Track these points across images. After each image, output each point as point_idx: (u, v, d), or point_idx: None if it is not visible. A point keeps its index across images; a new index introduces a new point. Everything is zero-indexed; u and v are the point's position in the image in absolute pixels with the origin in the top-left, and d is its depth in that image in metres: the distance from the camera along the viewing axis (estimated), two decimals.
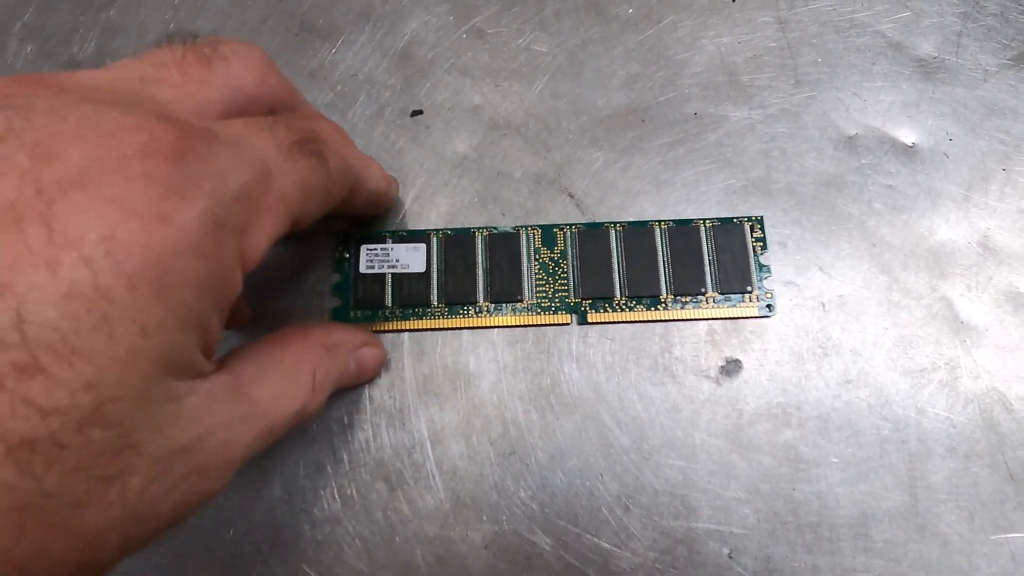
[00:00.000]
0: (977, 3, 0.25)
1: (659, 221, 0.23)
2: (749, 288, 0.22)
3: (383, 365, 0.22)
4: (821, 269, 0.23)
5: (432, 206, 0.24)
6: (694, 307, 0.22)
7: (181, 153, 0.12)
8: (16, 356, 0.10)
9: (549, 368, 0.22)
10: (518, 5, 0.26)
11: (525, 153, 0.24)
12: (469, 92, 0.25)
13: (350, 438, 0.22)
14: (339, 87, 0.25)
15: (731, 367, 0.22)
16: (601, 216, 0.24)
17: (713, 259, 0.23)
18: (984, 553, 0.20)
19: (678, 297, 0.22)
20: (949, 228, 0.23)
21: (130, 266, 0.11)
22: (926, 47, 0.25)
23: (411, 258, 0.22)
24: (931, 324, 0.22)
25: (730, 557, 0.21)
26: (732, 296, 0.22)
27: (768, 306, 0.22)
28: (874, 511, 0.21)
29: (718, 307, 0.22)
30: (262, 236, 0.14)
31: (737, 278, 0.22)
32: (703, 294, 0.22)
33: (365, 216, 0.23)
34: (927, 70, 0.25)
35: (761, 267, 0.23)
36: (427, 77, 0.25)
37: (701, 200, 0.24)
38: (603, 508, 0.21)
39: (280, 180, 0.15)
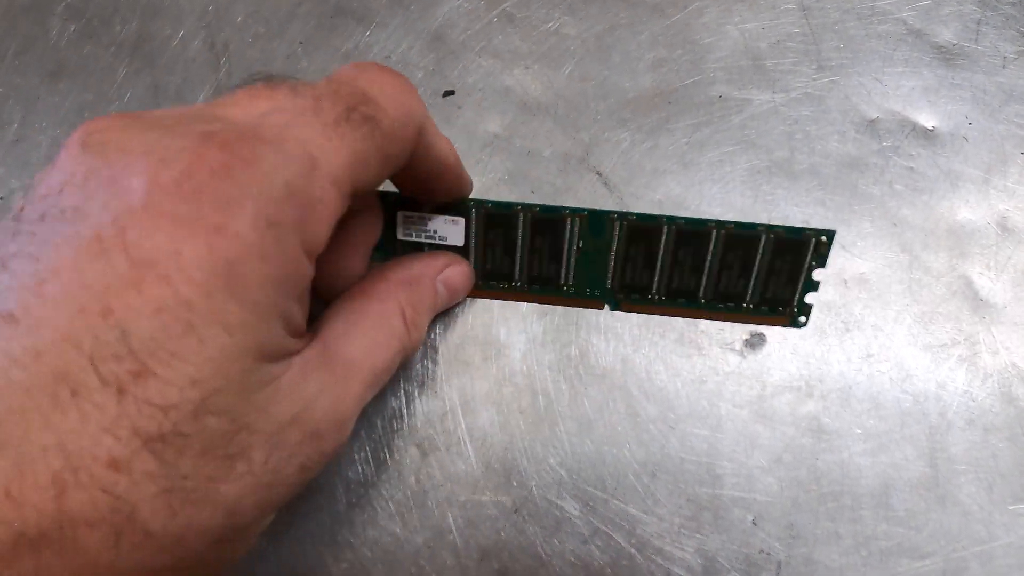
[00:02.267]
0: None
1: (719, 222, 0.21)
2: (790, 303, 0.22)
3: (472, 279, 0.22)
4: (843, 247, 0.24)
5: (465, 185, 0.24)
6: (727, 312, 0.22)
7: (226, 166, 0.13)
8: (130, 365, 0.12)
9: (578, 340, 0.23)
10: None
11: (554, 133, 0.25)
12: (500, 74, 0.26)
13: (383, 405, 0.22)
14: None
15: (755, 340, 0.23)
16: (628, 196, 0.24)
17: (762, 273, 0.21)
18: (1003, 523, 0.21)
19: (713, 302, 0.22)
20: (969, 209, 0.24)
21: (201, 276, 0.13)
22: (946, 34, 0.26)
23: (449, 231, 0.22)
24: (951, 301, 0.23)
25: (754, 524, 0.21)
26: (768, 307, 0.22)
27: (800, 317, 0.22)
28: (895, 481, 0.21)
29: (752, 315, 0.22)
30: (321, 224, 0.15)
31: (781, 293, 0.22)
32: (741, 303, 0.22)
33: (442, 195, 0.21)
34: (947, 57, 0.25)
35: (808, 284, 0.22)
36: (459, 59, 0.26)
37: (726, 180, 0.24)
38: (630, 475, 0.22)
39: (328, 164, 0.15)
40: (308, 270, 0.15)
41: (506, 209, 0.22)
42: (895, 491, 0.21)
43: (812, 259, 0.21)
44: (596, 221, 0.22)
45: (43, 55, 0.27)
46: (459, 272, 0.22)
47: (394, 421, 0.22)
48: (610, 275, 0.22)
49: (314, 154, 0.14)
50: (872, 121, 0.25)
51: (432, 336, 0.23)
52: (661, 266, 0.22)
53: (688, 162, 0.25)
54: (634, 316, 0.23)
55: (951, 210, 0.24)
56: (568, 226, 0.22)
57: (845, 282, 0.23)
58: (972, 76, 0.25)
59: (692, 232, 0.21)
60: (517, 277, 0.22)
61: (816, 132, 0.25)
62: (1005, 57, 0.25)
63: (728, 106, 0.25)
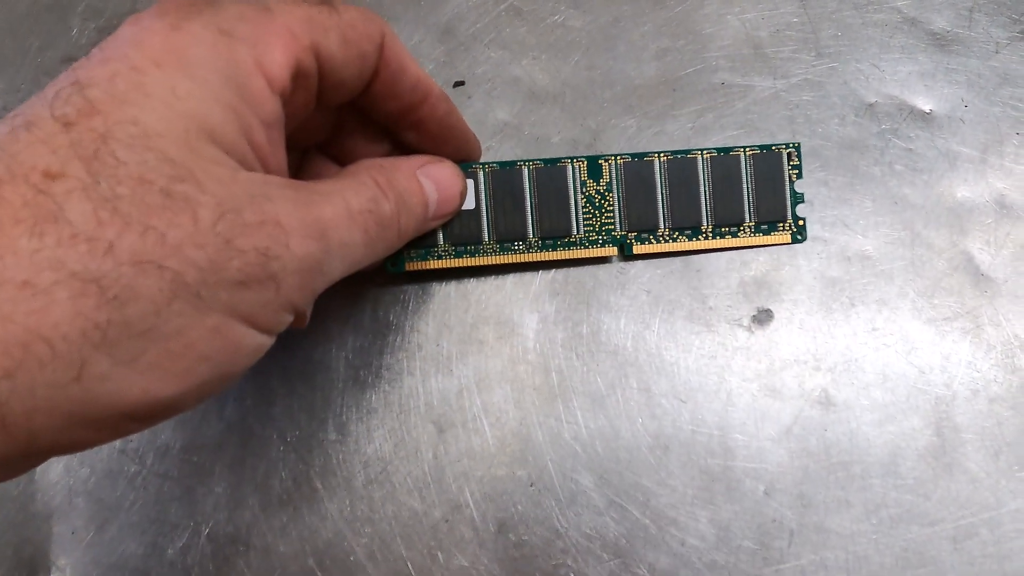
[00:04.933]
0: None
1: (701, 150, 0.24)
2: (784, 217, 0.24)
3: (462, 180, 0.22)
4: (846, 225, 0.24)
5: None
6: (732, 237, 0.24)
7: (189, 2, 0.16)
8: (81, 107, 0.14)
9: (589, 318, 0.23)
10: None
11: (562, 120, 0.26)
12: (508, 65, 0.27)
13: (400, 384, 0.23)
14: None
15: (763, 316, 0.23)
16: None
17: (751, 188, 0.24)
18: (1010, 489, 0.21)
19: (718, 227, 0.23)
20: (967, 188, 0.24)
21: (154, 53, 0.14)
22: (940, 22, 0.27)
23: None
24: (953, 276, 0.23)
25: (766, 494, 0.21)
26: (767, 225, 0.24)
27: (799, 235, 0.24)
28: (903, 450, 0.22)
29: (754, 236, 0.24)
30: (275, 51, 0.16)
31: (773, 207, 0.24)
32: (741, 224, 0.24)
33: (438, 136, 0.21)
34: (942, 43, 0.26)
35: (795, 195, 0.24)
36: (469, 51, 0.27)
37: None
38: (643, 448, 0.22)
39: (282, 14, 0.16)
40: (264, 90, 0.15)
41: (510, 165, 0.23)
42: (903, 460, 0.22)
43: (790, 169, 0.24)
44: (593, 164, 0.24)
45: (65, 52, 0.27)
46: (443, 169, 0.21)
47: (411, 399, 0.23)
48: (617, 216, 0.23)
49: (270, 5, 0.16)
50: (871, 105, 0.26)
51: (446, 316, 0.23)
52: (661, 197, 0.23)
53: (693, 147, 0.25)
54: (643, 295, 0.24)
55: (950, 189, 0.25)
56: (570, 172, 0.23)
57: (849, 259, 0.24)
58: (967, 61, 0.26)
59: (680, 160, 0.24)
60: (531, 233, 0.23)
61: (817, 116, 0.25)
62: (998, 42, 0.26)
63: (731, 92, 0.26)
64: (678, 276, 0.24)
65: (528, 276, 0.24)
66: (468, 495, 0.22)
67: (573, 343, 0.23)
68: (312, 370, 0.23)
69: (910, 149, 0.25)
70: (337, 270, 0.17)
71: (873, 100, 0.26)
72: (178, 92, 0.14)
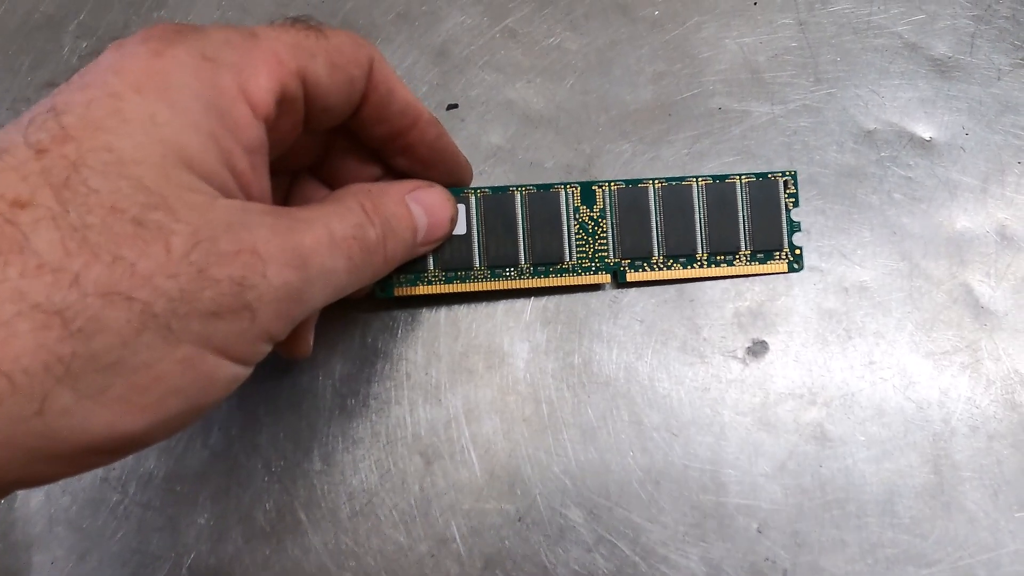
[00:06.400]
0: (989, 6, 0.27)
1: (696, 177, 0.23)
2: (780, 245, 0.23)
3: (452, 205, 0.21)
4: (844, 255, 0.24)
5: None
6: (727, 265, 0.23)
7: (174, 28, 0.16)
8: (55, 133, 0.13)
9: (580, 348, 0.23)
10: (549, 7, 0.27)
11: (556, 144, 0.25)
12: (502, 87, 0.26)
13: (387, 414, 0.23)
14: None
15: (758, 348, 0.23)
16: None
17: (747, 216, 0.23)
18: (1009, 529, 0.21)
19: (713, 255, 0.23)
20: (967, 218, 0.24)
21: (134, 79, 0.14)
22: (941, 48, 0.26)
23: None
24: (952, 309, 0.23)
25: (759, 531, 0.21)
26: (763, 254, 0.23)
27: (796, 263, 0.23)
28: (900, 488, 0.21)
29: (750, 265, 0.23)
30: (260, 76, 0.15)
31: (769, 235, 0.23)
32: (737, 252, 0.23)
33: (429, 161, 0.21)
34: (942, 69, 0.26)
35: (792, 224, 0.24)
36: (463, 73, 0.26)
37: None
38: (634, 483, 0.22)
39: (269, 40, 0.16)
40: (247, 116, 0.15)
41: (502, 190, 0.23)
42: (900, 498, 0.21)
43: (787, 197, 0.24)
44: (587, 190, 0.23)
45: (56, 71, 0.27)
46: (433, 194, 0.21)
47: (398, 430, 0.22)
48: (611, 243, 0.23)
49: (255, 31, 0.16)
50: (870, 132, 0.25)
51: (435, 344, 0.23)
52: (656, 224, 0.23)
53: (689, 173, 0.25)
54: (636, 324, 0.23)
55: (950, 218, 0.24)
56: (563, 198, 0.23)
57: (846, 290, 0.23)
58: (968, 88, 0.26)
59: (675, 187, 0.23)
60: (522, 259, 0.23)
61: (814, 143, 0.25)
62: (1000, 69, 0.26)
63: (728, 118, 0.26)
64: (672, 305, 0.23)
65: (519, 304, 0.24)
66: (455, 529, 0.21)
67: (564, 373, 0.23)
68: (299, 398, 0.23)
69: (909, 177, 0.25)
70: (319, 297, 0.16)
71: (872, 127, 0.25)
72: (157, 119, 0.14)
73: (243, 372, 0.15)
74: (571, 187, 0.23)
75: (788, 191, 0.24)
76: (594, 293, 0.24)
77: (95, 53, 0.27)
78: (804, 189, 0.25)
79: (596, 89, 0.26)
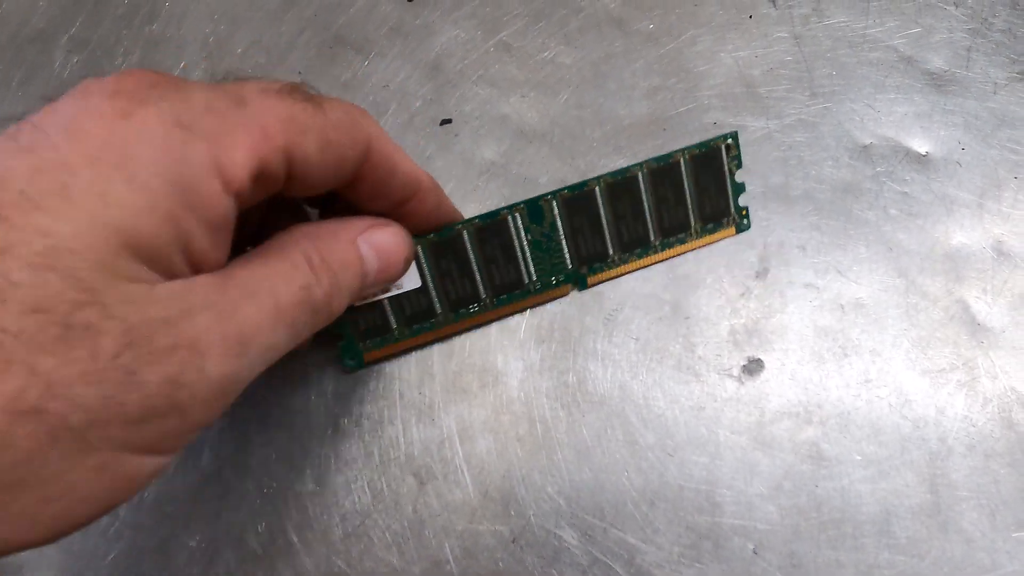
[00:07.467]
0: (985, 20, 0.26)
1: (641, 164, 0.23)
2: (728, 211, 0.24)
3: (408, 243, 0.19)
4: (839, 272, 0.24)
5: (461, 210, 0.25)
6: (680, 244, 0.24)
7: (152, 82, 0.14)
8: None
9: (575, 366, 0.23)
10: (543, 20, 0.27)
11: (551, 160, 0.25)
12: (496, 102, 0.26)
13: (380, 433, 0.22)
14: (371, 97, 0.26)
15: (753, 366, 0.23)
16: None
17: (693, 192, 0.23)
18: (1007, 550, 0.21)
19: (665, 238, 0.23)
20: (964, 233, 0.24)
21: (90, 147, 0.13)
22: (937, 61, 0.26)
23: (404, 278, 0.21)
24: (948, 326, 0.23)
25: (755, 552, 0.21)
26: (713, 223, 0.24)
27: (743, 223, 0.24)
28: (896, 508, 0.21)
29: (701, 238, 0.24)
30: (238, 149, 0.14)
31: (716, 203, 0.24)
32: (688, 229, 0.23)
33: (429, 225, 0.21)
34: (938, 83, 0.26)
35: (736, 186, 0.24)
36: (456, 88, 0.26)
37: None
38: (629, 503, 0.21)
39: (257, 109, 0.15)
40: (216, 193, 0.14)
41: (448, 233, 0.22)
42: (896, 518, 0.21)
43: (729, 162, 0.23)
44: (534, 208, 0.22)
45: (47, 84, 0.27)
46: (387, 235, 0.19)
47: (391, 449, 0.22)
48: (567, 254, 0.23)
49: (244, 96, 0.15)
50: (866, 147, 0.25)
51: (429, 364, 0.23)
52: (607, 224, 0.23)
53: None
54: (631, 343, 0.23)
55: (946, 234, 0.24)
56: (511, 223, 0.22)
57: (842, 307, 0.23)
58: (964, 102, 0.25)
59: (621, 181, 0.23)
60: (483, 293, 0.22)
61: (810, 158, 0.25)
62: (996, 83, 0.26)
63: (723, 132, 0.25)
64: (667, 323, 0.23)
65: (513, 322, 0.23)
66: (448, 551, 0.21)
67: (558, 392, 0.23)
68: (291, 418, 0.22)
69: (905, 193, 0.24)
70: (256, 371, 0.15)
71: (868, 142, 0.25)
72: (107, 198, 0.13)
73: (167, 462, 0.14)
74: (517, 209, 0.22)
75: (731, 155, 0.23)
76: (588, 311, 0.23)
77: (87, 66, 0.27)
78: (799, 205, 0.24)
79: (590, 103, 0.26)
